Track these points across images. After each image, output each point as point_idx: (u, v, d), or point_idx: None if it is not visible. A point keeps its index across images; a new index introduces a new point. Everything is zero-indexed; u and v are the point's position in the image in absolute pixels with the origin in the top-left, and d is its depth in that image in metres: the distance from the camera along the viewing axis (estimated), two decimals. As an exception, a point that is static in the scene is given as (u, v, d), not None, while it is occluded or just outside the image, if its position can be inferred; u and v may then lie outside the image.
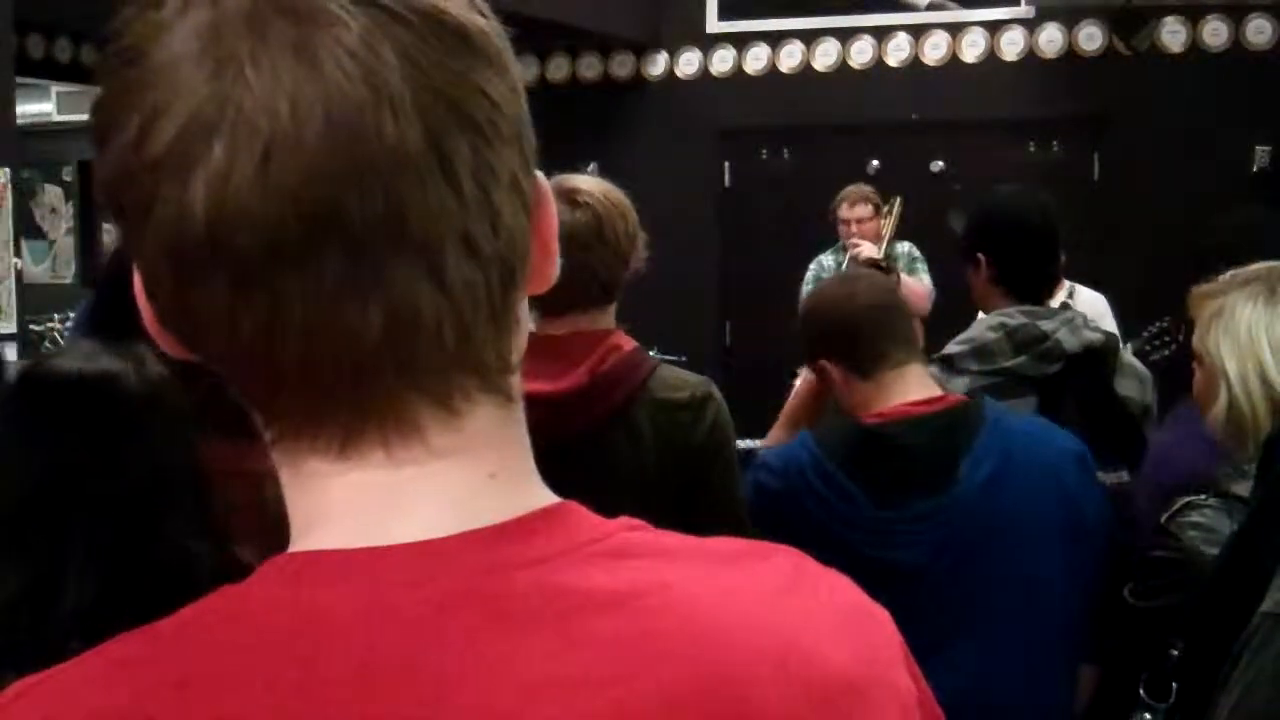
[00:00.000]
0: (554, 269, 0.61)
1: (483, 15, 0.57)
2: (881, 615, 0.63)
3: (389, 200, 0.52)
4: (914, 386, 2.05)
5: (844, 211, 5.29)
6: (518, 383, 0.59)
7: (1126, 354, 2.80)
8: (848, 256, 5.17)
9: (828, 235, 5.50)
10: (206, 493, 1.34)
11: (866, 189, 5.36)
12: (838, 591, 0.62)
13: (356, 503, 0.56)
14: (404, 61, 0.53)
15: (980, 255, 2.64)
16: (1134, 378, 2.67)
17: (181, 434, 1.37)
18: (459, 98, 0.54)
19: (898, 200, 5.20)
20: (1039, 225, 2.71)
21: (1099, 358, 2.56)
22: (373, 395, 0.55)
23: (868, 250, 5.06)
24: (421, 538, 0.55)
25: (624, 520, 0.59)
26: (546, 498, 0.59)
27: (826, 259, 5.32)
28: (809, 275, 5.38)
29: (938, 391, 2.08)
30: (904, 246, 5.37)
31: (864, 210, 5.25)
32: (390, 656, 0.52)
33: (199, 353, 0.57)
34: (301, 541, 0.57)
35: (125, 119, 0.54)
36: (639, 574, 0.56)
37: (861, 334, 2.07)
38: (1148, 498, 2.41)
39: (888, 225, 5.25)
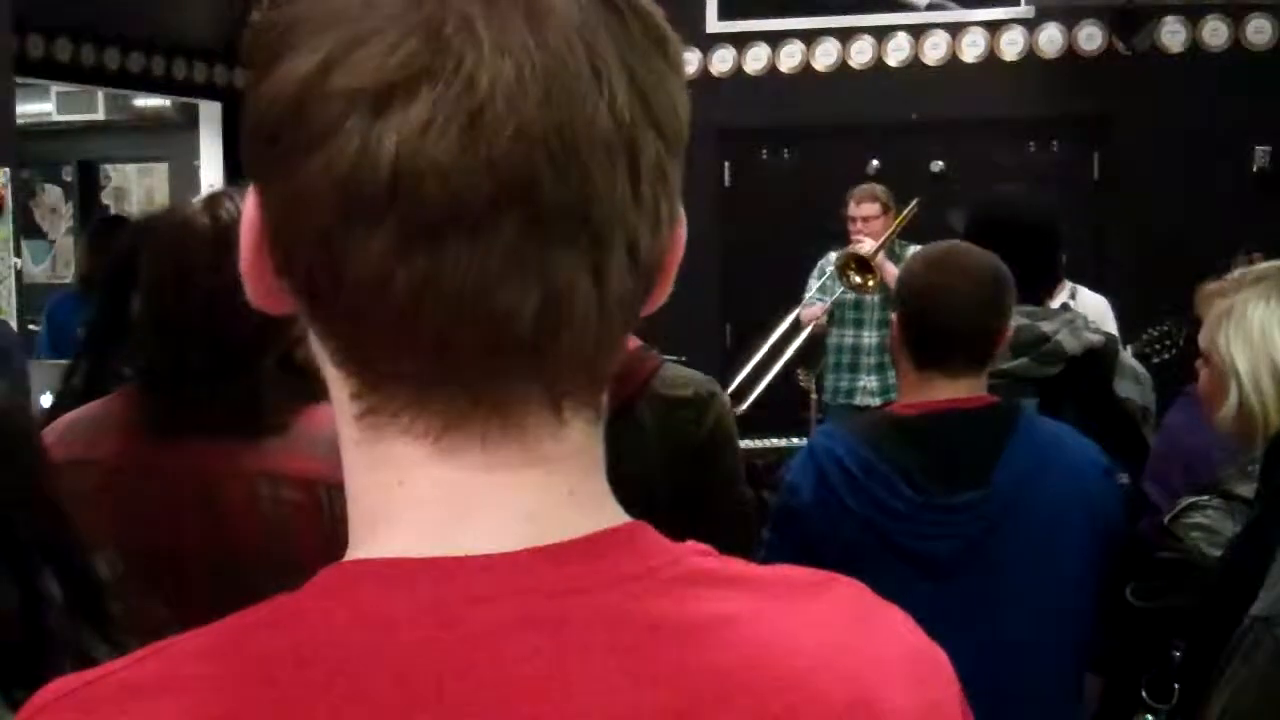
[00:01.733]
0: (665, 296, 0.59)
1: (661, 14, 0.56)
2: (940, 657, 0.62)
3: (581, 186, 0.51)
4: (954, 389, 2.05)
5: (850, 209, 5.25)
6: (606, 400, 0.58)
7: (1126, 355, 2.80)
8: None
9: (828, 235, 5.50)
10: (55, 521, 1.28)
11: (876, 188, 5.31)
12: (901, 632, 0.61)
13: (430, 503, 0.54)
14: (618, 56, 0.52)
15: None
16: (1133, 379, 2.67)
17: (17, 460, 1.28)
18: (655, 101, 0.53)
19: (914, 203, 5.09)
20: (1039, 226, 2.71)
21: (1099, 359, 2.56)
22: (495, 381, 0.53)
23: (866, 246, 5.02)
24: (491, 549, 0.53)
25: (692, 545, 0.58)
26: (619, 518, 0.57)
27: (835, 255, 5.24)
28: (816, 271, 5.33)
29: (978, 392, 2.07)
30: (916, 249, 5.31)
31: (870, 209, 5.20)
32: (447, 676, 0.50)
33: (319, 306, 0.54)
34: (368, 541, 0.55)
35: (310, 42, 0.51)
36: (705, 604, 0.55)
37: (929, 337, 2.05)
38: (1156, 480, 2.42)
39: (893, 225, 5.16)
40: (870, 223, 5.17)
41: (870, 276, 4.95)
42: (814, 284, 5.31)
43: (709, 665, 0.53)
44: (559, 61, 0.50)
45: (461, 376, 0.53)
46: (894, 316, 2.11)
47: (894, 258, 5.03)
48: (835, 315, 5.26)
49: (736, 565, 0.58)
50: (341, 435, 0.57)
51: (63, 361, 2.73)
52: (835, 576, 0.61)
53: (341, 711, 0.50)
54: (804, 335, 5.12)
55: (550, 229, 0.51)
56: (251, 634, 0.53)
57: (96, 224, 6.40)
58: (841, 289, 5.09)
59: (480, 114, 0.49)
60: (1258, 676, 1.50)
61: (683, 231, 0.58)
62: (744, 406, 4.66)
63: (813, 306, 5.25)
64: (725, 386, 2.17)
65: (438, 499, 0.54)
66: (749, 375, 4.99)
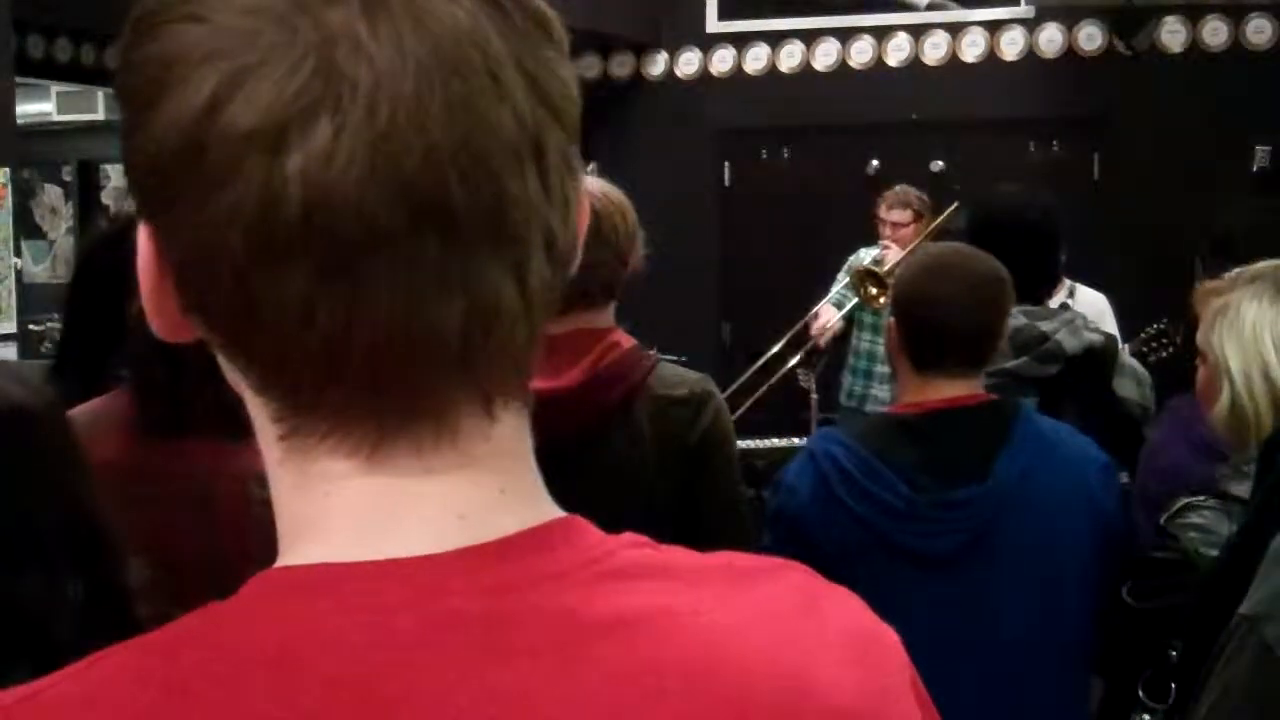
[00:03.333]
0: (574, 265, 0.59)
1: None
2: (890, 639, 0.61)
3: (494, 192, 0.50)
4: (954, 389, 2.06)
5: (882, 211, 5.11)
6: (530, 387, 0.58)
7: (1125, 355, 2.80)
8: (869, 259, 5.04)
9: (828, 235, 5.49)
10: (86, 525, 1.28)
11: (910, 194, 5.13)
12: (847, 615, 0.60)
13: (358, 510, 0.53)
14: (509, 52, 0.51)
15: None
16: (1133, 379, 2.67)
17: (48, 463, 1.29)
18: (549, 88, 0.53)
19: (950, 209, 4.90)
20: (1038, 225, 2.71)
21: (1099, 359, 2.56)
22: (427, 393, 0.52)
23: (891, 256, 4.86)
24: (420, 552, 0.52)
25: (629, 537, 0.57)
26: (551, 513, 0.56)
27: (865, 254, 5.13)
28: (845, 267, 5.19)
29: (977, 391, 2.08)
30: None
31: (901, 215, 5.05)
32: (378, 680, 0.49)
33: (230, 339, 0.53)
34: (292, 551, 0.54)
35: (190, 79, 0.49)
36: (642, 597, 0.54)
37: (929, 339, 2.06)
38: (1139, 494, 2.42)
39: (923, 230, 5.00)
40: (900, 230, 5.02)
41: (884, 292, 4.86)
42: (842, 279, 5.19)
43: (643, 659, 0.52)
44: (455, 73, 0.49)
45: (391, 396, 0.52)
46: (891, 319, 2.11)
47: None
48: (856, 317, 5.13)
49: (674, 555, 0.58)
50: (264, 453, 0.56)
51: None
52: (782, 563, 0.61)
53: (265, 715, 0.49)
54: (808, 347, 5.03)
55: (469, 241, 0.50)
56: (179, 648, 0.52)
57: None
58: (856, 300, 5.00)
59: (386, 138, 0.48)
60: (1245, 674, 1.50)
61: (586, 201, 0.58)
62: (740, 410, 4.65)
63: (826, 317, 5.09)
64: (724, 387, 2.17)
65: (366, 506, 0.53)
66: (750, 380, 4.96)
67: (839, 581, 0.62)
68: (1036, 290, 2.66)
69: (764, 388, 4.88)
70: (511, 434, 0.56)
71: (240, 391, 0.56)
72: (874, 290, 4.84)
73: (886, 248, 5.00)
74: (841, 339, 5.18)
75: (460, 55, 0.50)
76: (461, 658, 0.50)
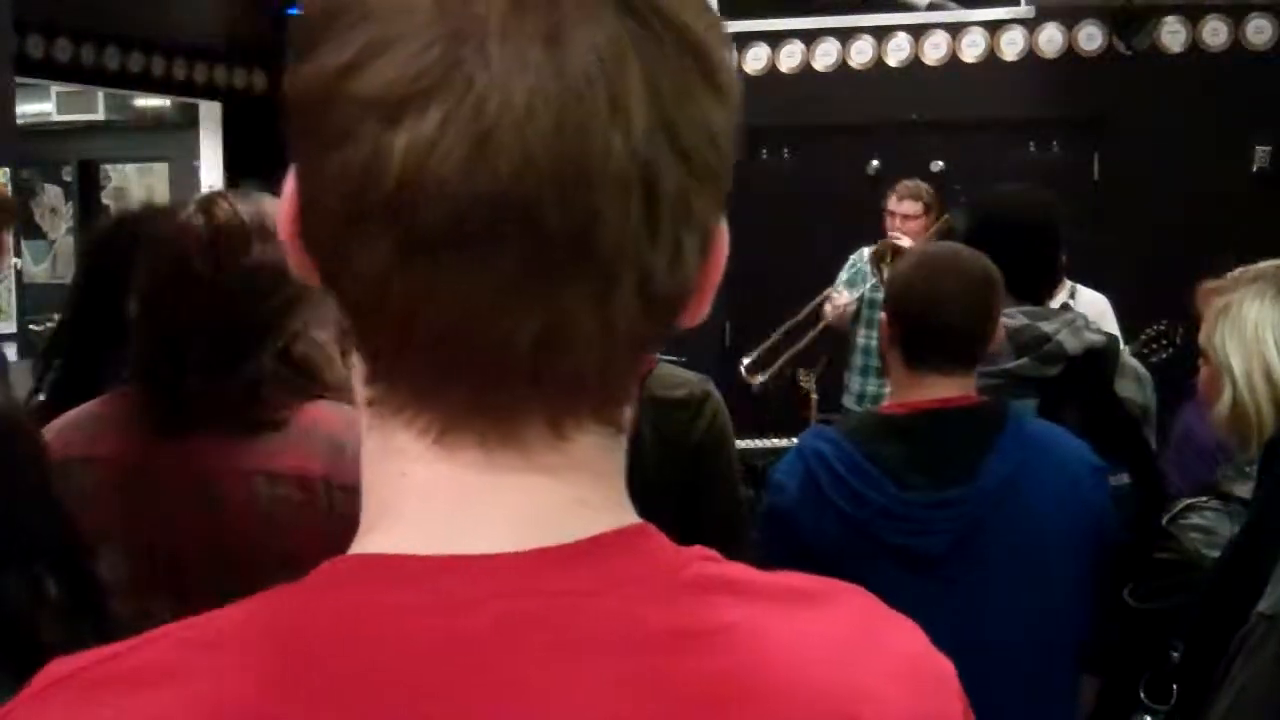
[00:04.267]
0: (704, 312, 0.58)
1: (716, 28, 0.54)
2: (946, 669, 0.62)
3: (587, 219, 0.50)
4: (948, 387, 2.06)
5: (891, 203, 5.10)
6: (629, 415, 0.57)
7: (1126, 355, 2.80)
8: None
9: (828, 235, 5.49)
10: (58, 524, 1.27)
11: (921, 186, 5.14)
12: (905, 643, 0.60)
13: (435, 499, 0.54)
14: (646, 84, 0.50)
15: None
16: (1134, 379, 2.67)
17: (21, 465, 1.29)
18: (683, 130, 0.52)
19: (944, 219, 4.94)
20: (1039, 225, 2.71)
21: (1100, 359, 2.56)
22: (492, 394, 0.52)
23: (906, 242, 4.85)
24: (494, 549, 0.52)
25: (699, 550, 0.57)
26: (626, 520, 0.57)
27: (868, 251, 5.12)
28: (847, 265, 5.21)
29: (969, 392, 2.08)
30: None
31: (911, 206, 5.04)
32: (452, 674, 0.50)
33: (332, 290, 0.54)
34: (369, 535, 0.55)
35: (340, 40, 0.50)
36: (706, 611, 0.54)
37: (923, 336, 2.06)
38: (1180, 469, 2.42)
39: (933, 224, 5.00)
40: (910, 221, 5.01)
41: None
42: (844, 276, 5.19)
43: (705, 673, 0.52)
44: (573, 91, 0.49)
45: (458, 385, 0.52)
46: (883, 316, 2.12)
47: None
48: (863, 315, 5.10)
49: (741, 571, 0.58)
50: (361, 420, 0.57)
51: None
52: (843, 585, 0.61)
53: (346, 704, 0.49)
54: (819, 327, 5.02)
55: (552, 260, 0.50)
56: (256, 625, 0.53)
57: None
58: (871, 283, 4.99)
59: (487, 139, 0.48)
60: (1263, 674, 1.50)
61: (720, 252, 0.57)
62: (759, 378, 4.67)
63: (840, 298, 5.10)
64: (724, 386, 2.17)
65: (441, 496, 0.54)
66: (764, 354, 4.97)
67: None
68: (1038, 290, 2.66)
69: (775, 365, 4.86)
70: (586, 453, 0.55)
71: (347, 345, 0.57)
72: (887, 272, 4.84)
73: (896, 239, 4.98)
74: (844, 338, 5.19)
75: (584, 77, 0.49)
76: (534, 659, 0.51)
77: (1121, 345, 3.09)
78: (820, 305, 5.12)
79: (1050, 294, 2.75)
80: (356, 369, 0.56)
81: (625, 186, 0.50)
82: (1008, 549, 1.95)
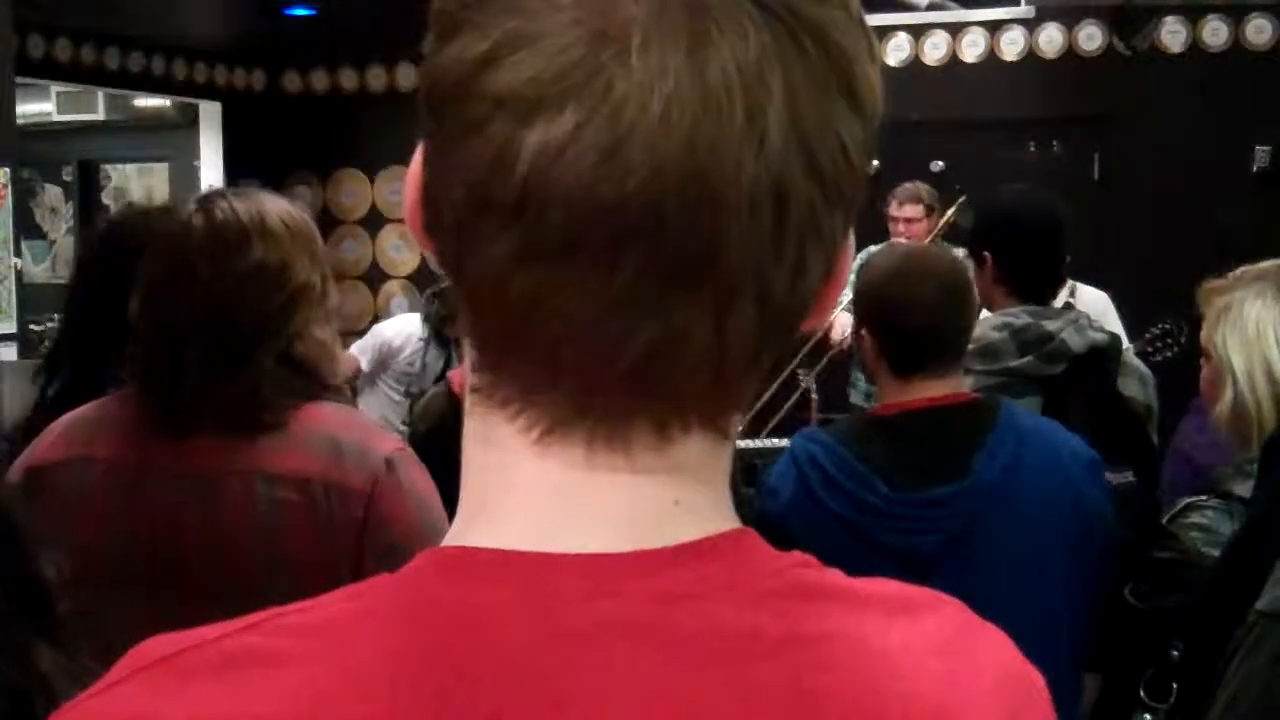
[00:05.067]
0: (825, 321, 0.57)
1: (860, 37, 0.54)
2: (1039, 683, 0.61)
3: (712, 234, 0.49)
4: (938, 388, 2.06)
5: (893, 209, 5.11)
6: (738, 422, 0.57)
7: (1129, 355, 2.80)
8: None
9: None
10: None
11: (921, 188, 5.15)
12: (1001, 655, 0.60)
13: (536, 496, 0.53)
14: (785, 97, 0.49)
15: (985, 254, 2.64)
16: (1136, 378, 2.67)
17: None
18: (819, 148, 0.51)
19: (959, 202, 4.91)
20: (1044, 225, 2.71)
21: (1104, 358, 2.56)
22: (601, 398, 0.52)
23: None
24: (594, 549, 0.52)
25: (797, 555, 0.57)
26: (729, 524, 0.56)
27: (875, 249, 5.14)
28: (854, 267, 5.18)
29: (960, 389, 2.08)
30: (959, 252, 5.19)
31: (913, 210, 5.05)
32: (550, 673, 0.50)
33: (450, 276, 0.54)
34: (473, 529, 0.55)
35: (479, 30, 0.50)
36: (803, 619, 0.54)
37: (909, 343, 2.05)
38: (1172, 488, 2.42)
39: (938, 227, 4.99)
40: (913, 225, 5.01)
41: None
42: (851, 279, 5.18)
43: (806, 683, 0.52)
44: (710, 104, 0.48)
45: (565, 387, 0.52)
46: (863, 330, 2.10)
47: None
48: None
49: (836, 578, 0.57)
50: (466, 396, 0.57)
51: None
52: (937, 595, 0.60)
53: (447, 696, 0.49)
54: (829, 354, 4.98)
55: (671, 273, 0.49)
56: (360, 613, 0.52)
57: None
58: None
59: (618, 148, 0.48)
60: (1261, 672, 1.50)
61: (845, 269, 0.56)
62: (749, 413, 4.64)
63: (843, 323, 5.10)
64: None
65: (542, 492, 0.53)
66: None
67: None
68: (1043, 290, 2.66)
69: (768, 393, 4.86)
70: (698, 455, 0.55)
71: (461, 326, 0.57)
72: None
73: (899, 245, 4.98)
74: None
75: (723, 88, 0.48)
76: (631, 660, 0.50)
77: (1125, 344, 3.09)
78: (825, 335, 5.10)
79: (1055, 294, 2.75)
80: (469, 350, 0.56)
81: (754, 204, 0.49)
82: (1003, 546, 1.95)
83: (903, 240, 4.97)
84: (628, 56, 0.48)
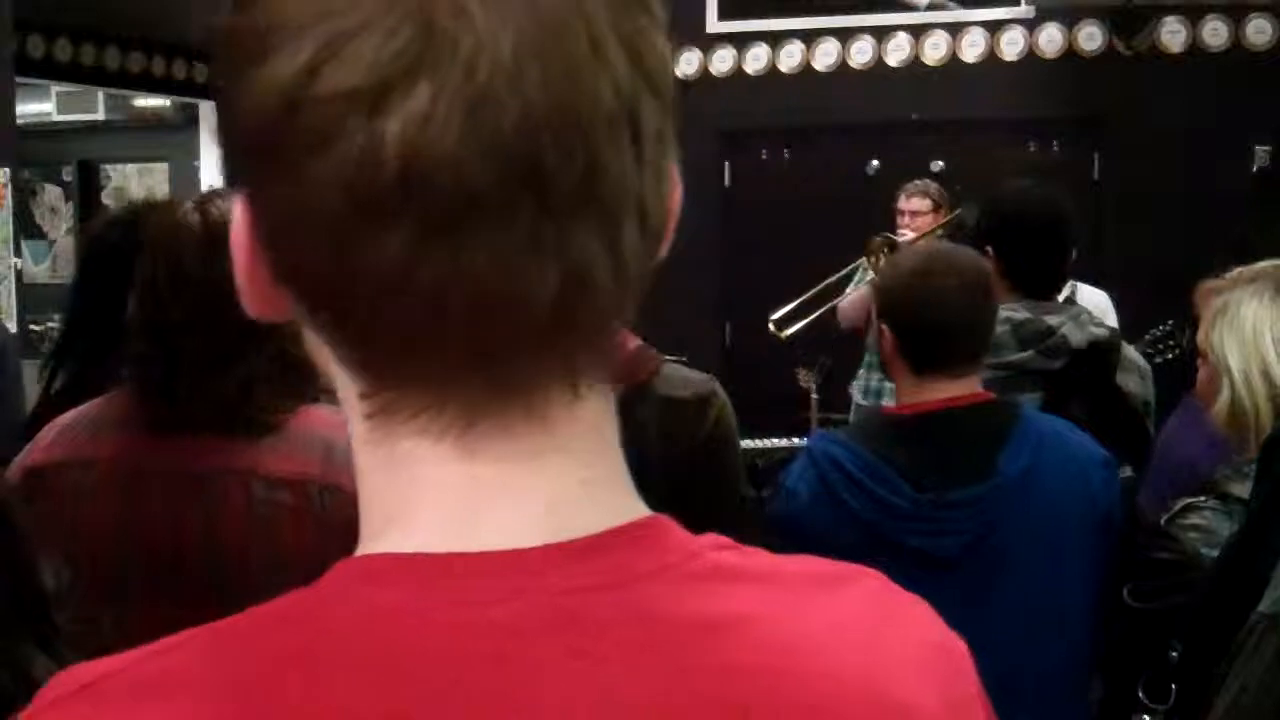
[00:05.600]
0: (665, 250, 0.58)
1: None
2: (960, 649, 0.62)
3: (588, 160, 0.50)
4: (955, 388, 2.06)
5: (900, 202, 5.16)
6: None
7: (1129, 349, 2.81)
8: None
9: (828, 235, 5.48)
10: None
11: (929, 185, 5.21)
12: (923, 624, 0.61)
13: (447, 498, 0.53)
14: (609, 18, 0.51)
15: (988, 249, 2.65)
16: (1134, 373, 2.69)
17: None
18: (645, 58, 0.52)
19: (957, 212, 4.97)
20: (1046, 221, 2.71)
21: (1104, 353, 2.57)
22: (517, 367, 0.52)
23: (907, 236, 4.96)
24: (509, 545, 0.52)
25: (712, 538, 0.57)
26: (638, 509, 0.56)
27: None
28: (861, 265, 5.23)
29: (977, 389, 2.08)
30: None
31: (919, 204, 5.11)
32: (468, 676, 0.50)
33: (331, 310, 0.52)
34: (381, 539, 0.54)
35: (291, 43, 0.49)
36: (729, 601, 0.54)
37: (928, 341, 2.06)
38: (1150, 486, 2.43)
39: (934, 226, 5.06)
40: (919, 218, 5.07)
41: None
42: (855, 277, 5.24)
43: (729, 665, 0.52)
44: (557, 38, 0.49)
45: (486, 368, 0.52)
46: (883, 326, 2.11)
47: None
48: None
49: (757, 558, 0.58)
50: (352, 432, 0.56)
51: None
52: (858, 569, 0.61)
53: (357, 712, 0.49)
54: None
55: (563, 207, 0.50)
56: (265, 632, 0.52)
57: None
58: (870, 276, 5.02)
59: (483, 100, 0.48)
60: (1263, 673, 1.50)
61: (678, 179, 0.57)
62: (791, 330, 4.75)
63: (852, 297, 5.15)
64: (724, 386, 2.17)
65: (454, 494, 0.53)
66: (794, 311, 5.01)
67: None
68: (1042, 286, 2.67)
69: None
70: (597, 416, 0.55)
71: (326, 368, 0.56)
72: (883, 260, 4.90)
73: (898, 235, 5.02)
74: (844, 339, 5.20)
75: (563, 21, 0.49)
76: (551, 656, 0.50)
77: (1135, 351, 3.10)
78: (848, 276, 5.15)
79: (1058, 290, 2.76)
80: (348, 385, 0.55)
81: (615, 125, 0.51)
82: (1023, 548, 1.96)
83: (908, 234, 5.01)
84: (467, 14, 0.48)
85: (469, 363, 0.52)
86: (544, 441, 0.53)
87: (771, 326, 5.19)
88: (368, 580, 0.52)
